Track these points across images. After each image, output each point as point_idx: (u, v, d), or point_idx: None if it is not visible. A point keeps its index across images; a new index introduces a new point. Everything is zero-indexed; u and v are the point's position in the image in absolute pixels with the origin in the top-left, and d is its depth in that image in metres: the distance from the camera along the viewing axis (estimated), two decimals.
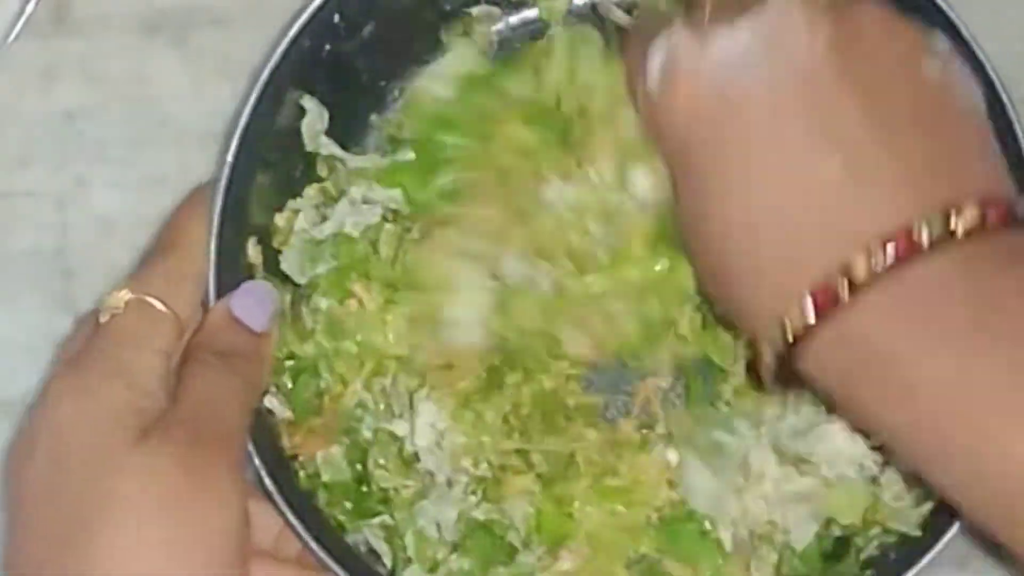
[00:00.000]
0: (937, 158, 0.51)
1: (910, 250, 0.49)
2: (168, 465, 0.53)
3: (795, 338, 0.50)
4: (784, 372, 0.52)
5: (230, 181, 0.60)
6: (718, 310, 0.58)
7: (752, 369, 0.52)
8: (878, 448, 0.59)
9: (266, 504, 0.59)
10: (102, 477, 0.53)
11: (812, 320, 0.50)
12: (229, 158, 0.60)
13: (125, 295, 0.57)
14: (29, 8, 0.67)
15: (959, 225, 0.49)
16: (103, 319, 0.57)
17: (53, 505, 0.54)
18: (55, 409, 0.55)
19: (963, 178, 0.51)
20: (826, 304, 0.49)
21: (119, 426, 0.54)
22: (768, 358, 0.52)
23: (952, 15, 0.60)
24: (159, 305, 0.57)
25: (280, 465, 0.60)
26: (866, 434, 0.58)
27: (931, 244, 0.49)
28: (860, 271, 0.49)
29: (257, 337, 0.59)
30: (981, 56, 0.59)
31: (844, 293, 0.49)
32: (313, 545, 0.58)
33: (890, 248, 0.49)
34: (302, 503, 0.60)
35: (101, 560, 0.52)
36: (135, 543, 0.53)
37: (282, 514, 0.58)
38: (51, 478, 0.54)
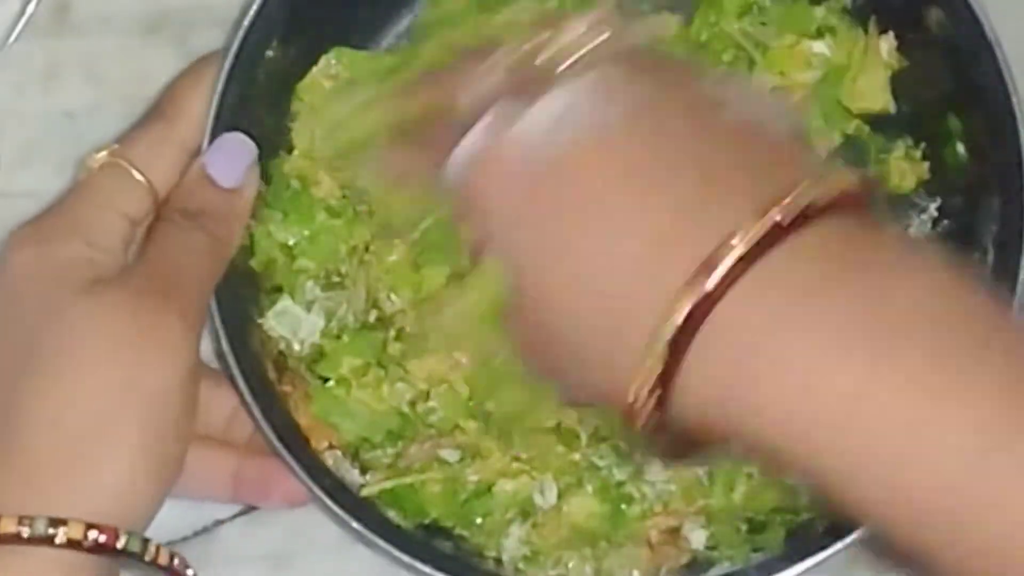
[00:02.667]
0: (776, 158, 0.49)
1: (771, 234, 0.47)
2: (114, 310, 0.55)
3: (672, 350, 0.47)
4: (663, 425, 0.48)
5: (240, 49, 0.59)
6: (575, 393, 0.54)
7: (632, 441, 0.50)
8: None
9: (219, 389, 0.60)
10: (51, 318, 0.55)
11: (681, 320, 0.46)
12: (245, 23, 0.60)
13: (102, 157, 0.59)
14: (30, 8, 0.67)
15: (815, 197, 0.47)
16: (80, 178, 0.59)
17: (7, 341, 0.55)
18: (12, 255, 0.57)
19: (806, 164, 0.49)
20: (696, 309, 0.47)
21: (72, 274, 0.56)
22: (642, 407, 0.48)
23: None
24: (134, 172, 0.59)
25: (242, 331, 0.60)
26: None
27: (792, 222, 0.47)
28: (724, 262, 0.46)
29: (229, 194, 0.59)
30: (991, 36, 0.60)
31: (711, 284, 0.46)
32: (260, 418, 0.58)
33: (752, 232, 0.46)
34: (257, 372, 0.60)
35: (46, 393, 0.54)
36: (78, 381, 0.54)
37: (232, 380, 0.58)
38: (4, 318, 0.56)
